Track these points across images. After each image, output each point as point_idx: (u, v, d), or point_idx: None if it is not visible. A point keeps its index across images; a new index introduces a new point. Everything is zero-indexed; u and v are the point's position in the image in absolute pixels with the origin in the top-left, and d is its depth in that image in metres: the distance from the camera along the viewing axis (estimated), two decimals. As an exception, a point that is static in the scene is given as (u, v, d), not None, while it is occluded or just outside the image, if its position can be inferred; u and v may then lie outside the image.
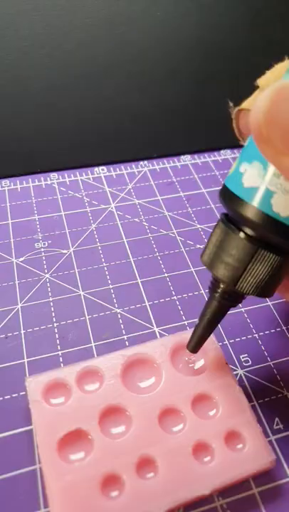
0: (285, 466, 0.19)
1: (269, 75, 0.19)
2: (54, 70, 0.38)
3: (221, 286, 0.18)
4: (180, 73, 0.39)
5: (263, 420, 0.20)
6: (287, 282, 0.20)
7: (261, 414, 0.21)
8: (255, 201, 0.16)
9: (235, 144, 0.34)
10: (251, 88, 0.21)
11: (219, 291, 0.18)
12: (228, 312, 0.24)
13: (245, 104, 0.19)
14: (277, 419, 0.21)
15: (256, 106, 0.13)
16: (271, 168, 0.15)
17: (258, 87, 0.19)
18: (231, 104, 0.20)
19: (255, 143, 0.14)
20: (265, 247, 0.17)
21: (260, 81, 0.19)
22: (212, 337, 0.22)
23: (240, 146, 0.34)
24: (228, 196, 0.17)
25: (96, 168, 0.32)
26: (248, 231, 0.17)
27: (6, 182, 0.30)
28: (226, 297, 0.18)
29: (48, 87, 0.37)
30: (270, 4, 0.45)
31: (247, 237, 0.17)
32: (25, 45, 0.38)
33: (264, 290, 0.17)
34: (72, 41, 0.39)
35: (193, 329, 0.20)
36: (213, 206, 0.30)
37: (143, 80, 0.38)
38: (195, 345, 0.20)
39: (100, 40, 0.40)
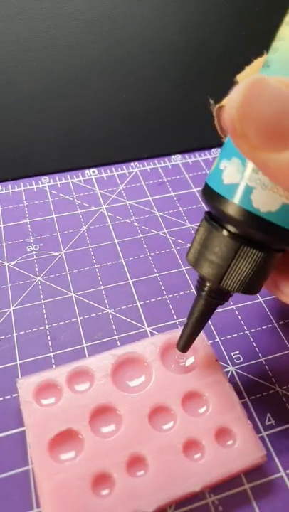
0: (277, 461, 0.19)
1: (248, 70, 0.19)
2: (41, 73, 0.38)
3: (207, 284, 0.18)
4: (168, 73, 0.39)
5: (255, 416, 0.20)
6: (276, 278, 0.20)
7: (253, 411, 0.21)
8: (236, 198, 0.16)
9: (225, 142, 0.34)
10: (233, 85, 0.21)
11: (205, 289, 0.18)
12: (219, 309, 0.24)
13: (225, 101, 0.19)
14: (269, 414, 0.21)
15: (230, 101, 0.13)
16: (249, 164, 0.16)
17: (237, 82, 0.19)
18: (212, 101, 0.20)
19: (230, 139, 0.14)
20: (248, 243, 0.17)
21: (240, 77, 0.19)
22: (202, 335, 0.22)
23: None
24: (209, 194, 0.17)
25: (87, 171, 0.32)
26: (231, 228, 0.17)
27: (-3, 187, 0.31)
28: (213, 295, 0.18)
29: (35, 91, 0.37)
30: (256, 1, 0.45)
31: (230, 234, 0.17)
32: (11, 49, 0.38)
33: (249, 287, 0.17)
34: (58, 44, 0.39)
35: (182, 328, 0.20)
36: (204, 205, 0.30)
37: (131, 80, 0.38)
38: (184, 344, 0.20)
39: (87, 42, 0.40)
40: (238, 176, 0.16)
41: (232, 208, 0.16)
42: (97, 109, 0.36)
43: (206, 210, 0.18)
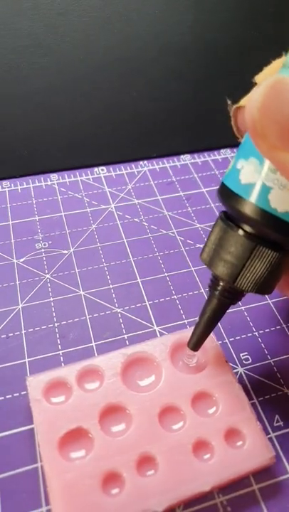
0: (285, 462, 0.19)
1: (266, 71, 0.19)
2: (52, 69, 0.38)
3: (221, 283, 0.18)
4: (179, 72, 0.39)
5: (264, 417, 0.20)
6: (288, 279, 0.20)
7: (261, 412, 0.21)
8: (253, 197, 0.16)
9: (235, 143, 0.34)
10: (250, 86, 0.21)
11: (219, 288, 0.18)
12: (228, 310, 0.24)
13: (243, 102, 0.19)
14: (277, 416, 0.21)
15: (250, 101, 0.13)
16: (267, 164, 0.16)
17: (255, 83, 0.19)
18: (229, 101, 0.20)
19: (250, 138, 0.14)
20: (264, 243, 0.17)
21: (258, 78, 0.19)
22: (212, 335, 0.22)
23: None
24: (225, 193, 0.17)
25: (96, 169, 0.32)
26: (247, 228, 0.17)
27: (6, 183, 0.31)
28: (226, 295, 0.18)
29: (46, 87, 0.37)
30: (268, 1, 0.45)
31: (245, 234, 0.17)
32: (24, 44, 0.38)
33: (263, 287, 0.17)
34: (69, 41, 0.39)
35: (193, 327, 0.20)
36: (213, 205, 0.30)
37: (142, 79, 0.38)
38: (196, 343, 0.20)
39: (98, 39, 0.40)
40: (256, 176, 0.16)
41: (249, 208, 0.16)
42: (107, 107, 0.36)
43: (222, 210, 0.18)
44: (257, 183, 0.16)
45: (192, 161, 0.33)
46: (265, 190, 0.16)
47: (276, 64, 0.19)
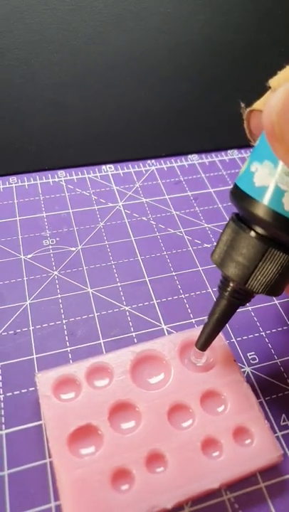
0: (292, 462, 0.19)
1: (281, 75, 0.19)
2: (63, 66, 0.38)
3: (231, 285, 0.18)
4: (189, 72, 0.39)
5: (270, 417, 0.21)
6: None
7: (268, 411, 0.21)
8: (266, 200, 0.16)
9: (242, 144, 0.34)
10: (259, 88, 0.21)
11: (229, 289, 0.19)
12: (236, 311, 0.24)
13: (256, 105, 0.20)
14: (284, 415, 0.21)
15: (269, 105, 0.14)
16: (282, 167, 0.16)
17: (269, 87, 0.20)
18: (243, 104, 0.20)
19: (267, 141, 0.14)
20: (276, 246, 0.17)
21: (272, 81, 0.19)
22: (220, 335, 0.22)
23: (250, 147, 0.34)
24: (239, 195, 0.17)
25: (103, 167, 0.32)
26: (259, 230, 0.17)
27: (13, 179, 0.31)
28: (236, 296, 0.19)
29: (56, 84, 0.37)
30: (279, 3, 0.45)
31: (258, 236, 0.17)
32: (34, 40, 0.38)
33: (273, 289, 0.18)
34: (81, 37, 0.39)
35: (202, 327, 0.20)
36: (220, 206, 0.30)
37: (151, 77, 0.38)
38: (204, 343, 0.20)
39: (109, 36, 0.40)
40: (270, 179, 0.16)
41: (262, 210, 0.16)
42: (116, 105, 0.36)
43: (234, 211, 0.19)
44: (271, 186, 0.16)
45: (200, 161, 0.33)
46: (279, 193, 0.16)
47: None
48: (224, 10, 0.43)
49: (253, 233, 0.17)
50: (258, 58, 0.39)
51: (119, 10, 0.40)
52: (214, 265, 0.19)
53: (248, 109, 0.20)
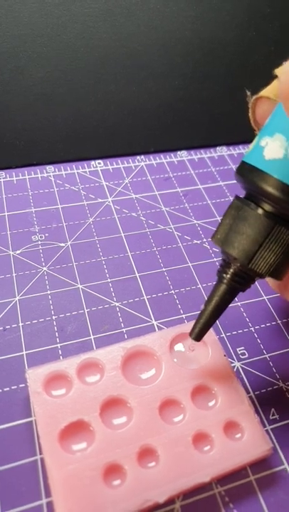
0: (281, 454, 0.20)
1: (287, 64, 0.19)
2: (52, 60, 0.38)
3: (232, 266, 0.18)
4: (178, 69, 0.39)
5: (260, 411, 0.21)
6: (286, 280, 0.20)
7: (258, 405, 0.21)
8: (278, 173, 0.16)
9: (231, 141, 0.34)
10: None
11: (230, 272, 0.18)
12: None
13: (264, 92, 0.19)
14: (273, 409, 0.21)
15: (287, 71, 0.14)
16: None
17: (276, 76, 0.19)
18: (249, 92, 0.20)
19: (284, 106, 0.14)
20: (283, 223, 0.16)
21: (279, 70, 0.19)
22: (211, 330, 0.22)
23: (239, 144, 0.34)
24: (247, 170, 0.17)
25: (92, 162, 0.32)
26: (266, 207, 0.17)
27: (1, 173, 0.30)
28: (236, 279, 0.18)
29: (45, 78, 0.36)
30: (268, 2, 0.45)
31: (265, 212, 0.16)
32: (23, 33, 0.38)
33: (276, 270, 0.17)
34: (70, 32, 0.39)
35: (194, 321, 0.20)
36: (209, 202, 0.30)
37: (141, 73, 0.38)
38: (199, 332, 0.19)
39: (99, 31, 0.39)
40: (282, 151, 0.16)
41: (273, 183, 0.16)
42: (105, 100, 0.36)
43: (236, 194, 0.18)
44: (282, 158, 0.16)
45: (189, 157, 0.33)
46: None
47: None
48: (214, 7, 0.43)
49: (259, 210, 0.17)
50: (247, 56, 0.39)
51: (109, 6, 0.40)
52: (215, 246, 0.18)
53: (254, 97, 0.20)
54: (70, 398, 0.19)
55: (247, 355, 0.23)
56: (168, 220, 0.29)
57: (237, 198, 0.18)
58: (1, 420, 0.20)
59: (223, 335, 0.24)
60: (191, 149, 0.34)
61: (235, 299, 0.25)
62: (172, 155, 0.33)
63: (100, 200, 0.30)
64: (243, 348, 0.23)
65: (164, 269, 0.26)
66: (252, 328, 0.24)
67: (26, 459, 0.19)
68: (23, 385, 0.21)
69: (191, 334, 0.20)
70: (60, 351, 0.22)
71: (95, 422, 0.19)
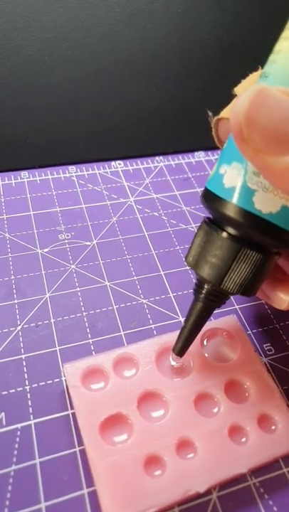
0: (311, 446, 0.20)
1: (244, 83, 0.20)
2: (75, 63, 0.38)
3: (205, 287, 0.19)
4: (198, 70, 0.40)
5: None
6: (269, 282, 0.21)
7: (287, 400, 0.22)
8: (238, 200, 0.16)
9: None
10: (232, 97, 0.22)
11: (204, 292, 0.19)
12: (251, 303, 0.25)
13: (223, 113, 0.20)
14: (301, 403, 0.22)
15: (237, 108, 0.14)
16: (250, 168, 0.16)
17: (235, 95, 0.20)
18: (210, 113, 0.21)
19: (235, 142, 0.15)
20: (249, 245, 0.17)
21: (237, 89, 0.20)
22: (240, 326, 0.23)
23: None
24: (209, 198, 0.18)
25: (113, 163, 0.32)
26: (231, 230, 0.17)
27: (24, 174, 0.31)
28: (211, 298, 0.19)
29: (68, 80, 0.37)
30: (286, 5, 0.46)
31: (230, 236, 0.17)
32: (48, 36, 0.38)
33: (248, 288, 0.18)
34: (94, 35, 0.39)
35: (178, 332, 0.20)
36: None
37: (161, 75, 0.39)
38: (182, 348, 0.20)
39: (122, 35, 0.40)
40: (240, 179, 0.16)
41: (234, 210, 0.17)
42: (126, 102, 0.36)
43: (206, 215, 0.19)
44: (241, 186, 0.16)
45: (206, 158, 0.34)
46: (249, 192, 0.16)
47: (253, 77, 0.20)
48: (233, 11, 0.43)
49: (225, 234, 0.17)
50: (265, 59, 0.40)
51: (132, 10, 0.41)
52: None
53: (215, 118, 0.20)
54: (108, 392, 0.20)
55: (273, 351, 0.23)
56: (189, 220, 0.29)
57: (205, 221, 0.18)
58: (40, 413, 0.20)
59: (250, 331, 0.24)
60: (208, 150, 0.34)
61: (256, 297, 0.26)
62: (190, 156, 0.34)
63: (122, 200, 0.30)
64: (269, 344, 0.24)
65: (188, 268, 0.27)
66: (277, 325, 0.25)
67: (66, 450, 0.19)
68: (58, 380, 0.21)
69: (174, 349, 0.20)
70: (92, 346, 0.23)
71: (134, 414, 0.19)
